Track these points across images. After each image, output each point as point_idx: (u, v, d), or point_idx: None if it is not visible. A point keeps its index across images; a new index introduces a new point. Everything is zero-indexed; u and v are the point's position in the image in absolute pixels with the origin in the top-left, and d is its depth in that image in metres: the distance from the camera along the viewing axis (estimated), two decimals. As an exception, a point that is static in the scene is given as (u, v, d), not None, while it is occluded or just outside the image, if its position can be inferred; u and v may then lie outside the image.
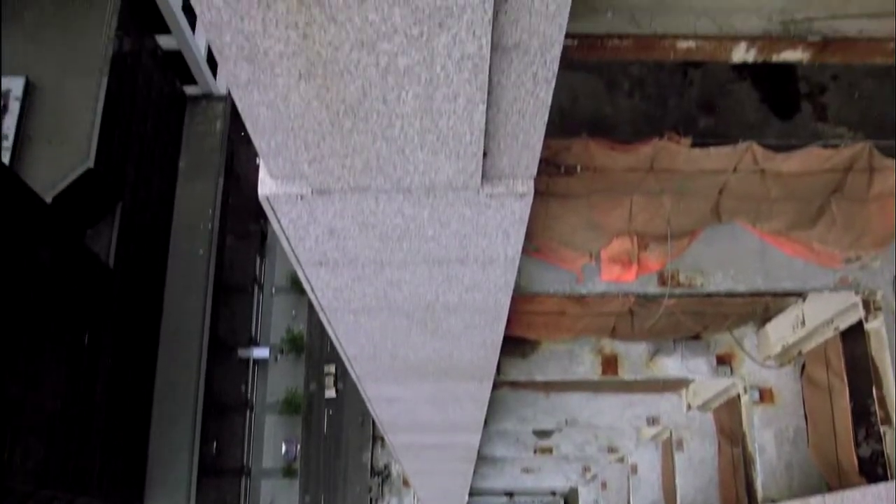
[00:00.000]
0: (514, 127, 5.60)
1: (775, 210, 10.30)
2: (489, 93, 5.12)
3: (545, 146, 6.09)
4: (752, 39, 7.13)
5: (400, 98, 5.08)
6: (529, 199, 6.33)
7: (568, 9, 4.61)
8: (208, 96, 30.52)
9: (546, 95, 5.33)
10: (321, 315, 8.89)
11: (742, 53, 7.23)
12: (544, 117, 5.57)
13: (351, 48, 4.65)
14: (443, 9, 4.36)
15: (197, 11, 4.59)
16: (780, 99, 11.13)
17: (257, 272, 43.32)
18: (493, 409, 19.20)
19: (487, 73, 4.89)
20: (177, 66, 31.24)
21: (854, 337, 13.24)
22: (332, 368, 52.77)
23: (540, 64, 5.01)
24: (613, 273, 10.21)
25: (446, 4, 4.33)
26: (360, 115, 5.25)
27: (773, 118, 10.99)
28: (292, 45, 4.65)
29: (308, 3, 4.33)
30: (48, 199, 27.53)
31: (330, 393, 54.19)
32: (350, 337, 9.78)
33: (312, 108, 5.20)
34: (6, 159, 26.84)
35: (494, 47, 4.76)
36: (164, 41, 29.98)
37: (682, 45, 7.11)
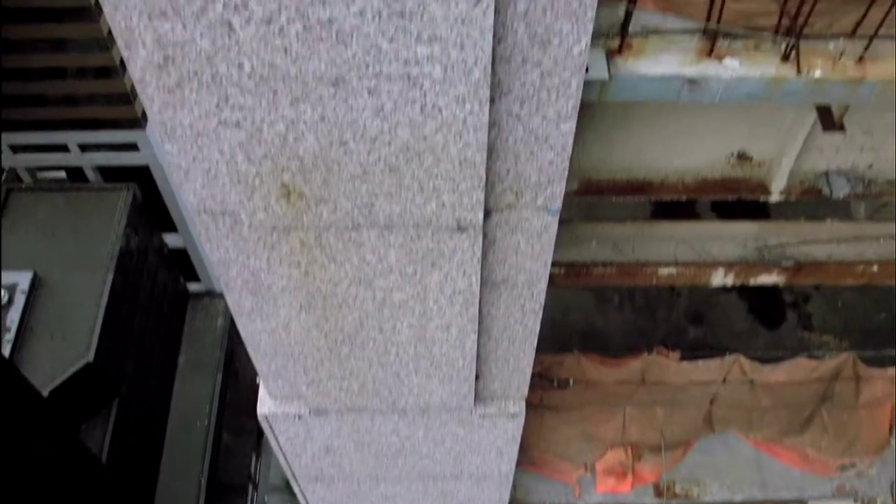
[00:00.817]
0: (505, 352, 5.86)
1: (766, 419, 10.42)
2: (480, 322, 5.42)
3: (538, 361, 6.34)
4: (729, 265, 7.53)
5: (395, 328, 5.37)
6: (521, 418, 6.50)
7: (552, 248, 4.97)
8: (211, 293, 30.97)
9: (534, 324, 5.62)
10: (315, 528, 8.83)
11: (721, 278, 7.60)
12: (533, 343, 5.84)
13: (349, 284, 4.97)
14: (435, 251, 4.70)
15: (206, 250, 4.95)
16: (766, 308, 11.49)
17: (252, 470, 42.28)
18: None
19: (478, 305, 5.20)
20: (181, 263, 31.87)
21: (860, 544, 12.97)
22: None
23: (527, 297, 5.33)
24: (609, 484, 10.20)
25: (438, 247, 4.68)
26: (358, 342, 5.52)
27: (761, 327, 11.33)
28: (294, 281, 4.97)
29: (309, 245, 4.68)
30: (45, 393, 27.41)
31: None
32: (344, 550, 9.64)
33: (312, 336, 5.47)
34: (7, 351, 26.99)
35: (484, 283, 5.08)
36: (171, 239, 30.75)
37: (664, 271, 7.50)
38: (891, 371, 10.14)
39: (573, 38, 3.67)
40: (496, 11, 3.45)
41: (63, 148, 22.73)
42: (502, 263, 4.99)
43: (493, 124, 4.00)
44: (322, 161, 4.07)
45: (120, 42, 3.58)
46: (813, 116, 5.98)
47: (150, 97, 3.81)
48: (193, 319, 31.00)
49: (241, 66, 3.62)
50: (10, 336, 28.23)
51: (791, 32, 4.80)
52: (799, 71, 4.82)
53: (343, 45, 3.51)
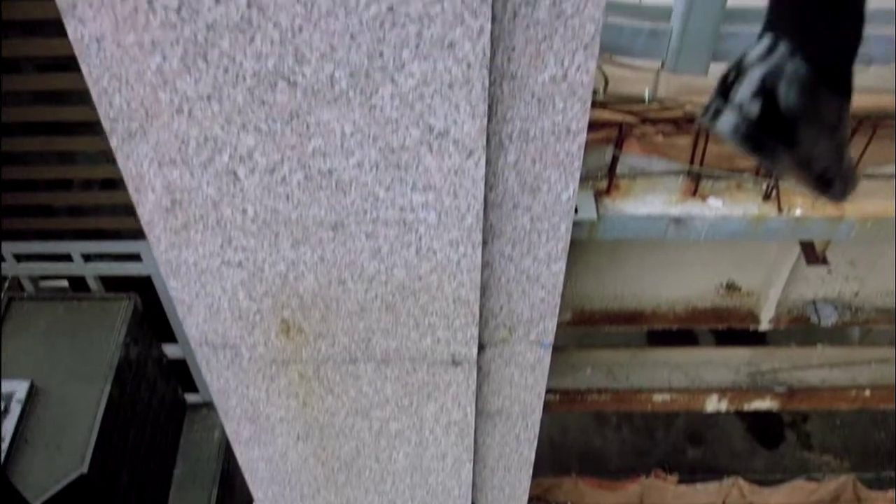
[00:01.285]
0: (501, 481, 5.91)
1: (769, 542, 10.28)
2: (475, 452, 5.49)
3: (536, 484, 6.35)
4: (722, 391, 7.60)
5: (391, 457, 5.44)
6: (517, 546, 6.47)
7: (545, 380, 5.06)
8: (209, 405, 30.66)
9: (529, 453, 5.66)
10: None
11: (715, 404, 7.66)
12: (529, 471, 5.87)
13: (346, 415, 5.07)
14: (430, 384, 4.81)
15: (206, 380, 5.06)
16: (764, 428, 11.47)
17: (245, 586, 41.07)
18: None
19: (473, 436, 5.28)
20: (180, 373, 31.68)
21: None
22: None
23: (522, 427, 5.42)
24: None
25: (433, 380, 4.79)
26: (354, 471, 5.58)
27: (759, 447, 11.28)
28: (292, 411, 5.07)
29: (308, 377, 4.80)
30: (36, 506, 26.98)
31: None
32: None
33: (309, 465, 5.54)
34: (1, 461, 26.61)
35: (479, 414, 5.18)
36: (170, 349, 30.64)
37: (658, 397, 7.57)
38: (891, 494, 10.06)
39: (561, 186, 3.84)
40: (487, 162, 3.64)
41: (66, 257, 22.97)
42: (497, 395, 5.09)
43: (485, 265, 4.15)
44: (321, 299, 4.22)
45: (130, 187, 3.75)
46: (797, 250, 6.16)
47: (157, 237, 3.97)
48: (190, 431, 30.66)
49: (244, 211, 3.80)
50: (4, 446, 28.00)
51: (771, 173, 5.02)
52: (780, 210, 5.02)
53: (342, 193, 3.69)
